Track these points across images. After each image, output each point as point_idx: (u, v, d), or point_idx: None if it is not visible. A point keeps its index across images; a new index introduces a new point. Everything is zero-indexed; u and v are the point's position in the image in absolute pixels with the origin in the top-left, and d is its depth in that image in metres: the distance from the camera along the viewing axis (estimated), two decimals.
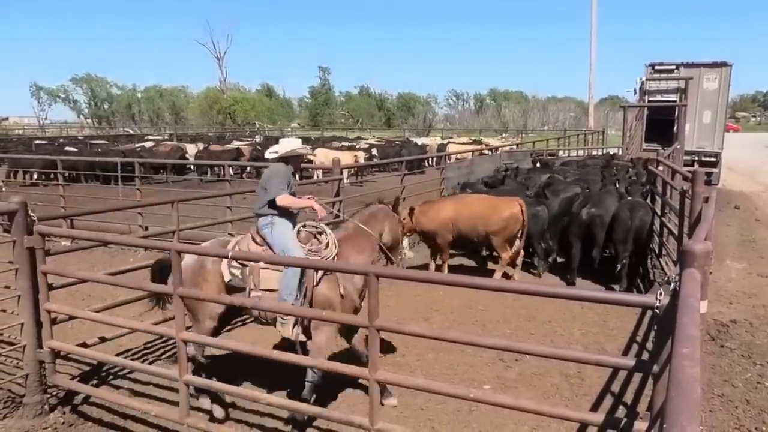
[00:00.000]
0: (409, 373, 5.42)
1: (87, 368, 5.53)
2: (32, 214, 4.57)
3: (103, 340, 5.42)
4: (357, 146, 26.40)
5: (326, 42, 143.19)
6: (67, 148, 23.60)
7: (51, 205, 12.35)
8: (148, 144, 27.54)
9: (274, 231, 4.88)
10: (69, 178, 16.16)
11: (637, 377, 5.00)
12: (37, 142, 29.03)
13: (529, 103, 70.57)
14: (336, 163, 9.22)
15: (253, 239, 4.96)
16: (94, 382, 5.33)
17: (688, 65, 18.46)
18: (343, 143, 29.48)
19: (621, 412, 4.68)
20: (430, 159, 23.90)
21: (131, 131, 50.26)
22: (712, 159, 18.33)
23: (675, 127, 17.81)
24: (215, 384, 4.23)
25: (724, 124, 19.08)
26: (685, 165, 16.04)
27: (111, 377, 5.44)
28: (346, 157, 18.49)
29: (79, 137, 37.17)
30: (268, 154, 5.23)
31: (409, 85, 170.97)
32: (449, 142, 27.86)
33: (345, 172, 11.64)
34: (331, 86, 75.65)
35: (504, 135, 43.65)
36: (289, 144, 5.19)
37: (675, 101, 18.16)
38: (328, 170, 9.71)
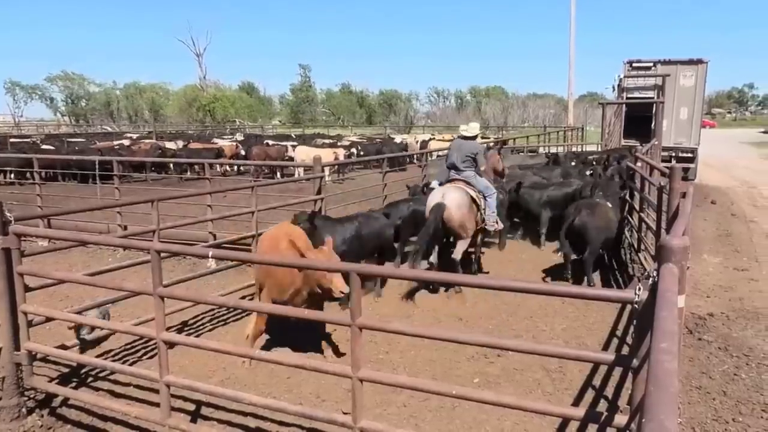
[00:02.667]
0: (392, 370, 5.43)
1: (66, 370, 5.45)
2: (8, 213, 4.49)
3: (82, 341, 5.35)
4: (338, 143, 26.33)
5: (307, 39, 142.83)
6: (43, 147, 23.24)
7: (27, 204, 12.18)
8: (125, 142, 27.20)
9: (477, 179, 8.06)
10: (46, 176, 15.93)
11: (617, 371, 5.07)
12: (12, 140, 28.51)
13: (509, 100, 71.04)
14: (317, 161, 9.18)
15: (464, 182, 7.96)
16: (73, 384, 5.25)
17: (665, 62, 18.69)
18: (324, 141, 29.36)
19: (602, 406, 4.74)
20: (411, 156, 23.86)
21: (109, 129, 49.64)
22: (689, 155, 18.60)
23: (653, 124, 18.04)
24: (197, 384, 4.19)
25: (701, 120, 19.36)
26: (663, 161, 16.24)
27: (90, 379, 5.37)
28: (327, 155, 18.45)
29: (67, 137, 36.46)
30: (466, 132, 8.22)
31: (391, 82, 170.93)
32: (431, 139, 27.89)
33: (326, 170, 11.61)
34: (312, 83, 75.45)
35: (485, 132, 43.81)
36: (477, 128, 8.43)
37: (652, 98, 18.39)
38: (310, 168, 9.65)
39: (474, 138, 8.25)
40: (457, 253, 7.82)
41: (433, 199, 7.79)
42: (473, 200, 7.88)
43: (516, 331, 6.49)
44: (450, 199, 7.68)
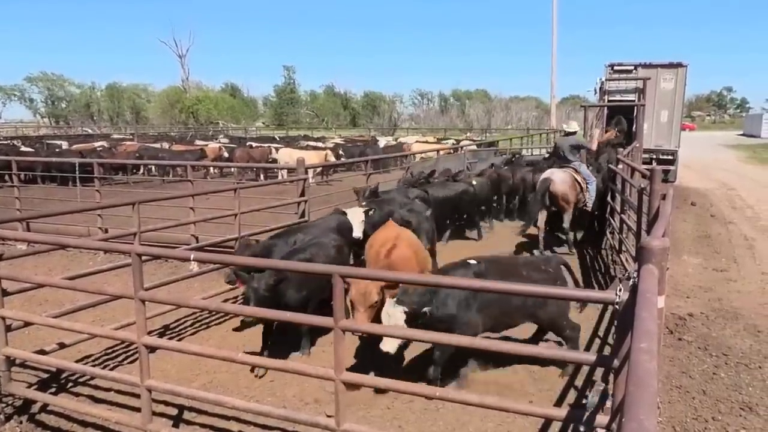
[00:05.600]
0: (375, 372, 5.41)
1: (45, 375, 5.37)
2: None
3: (62, 346, 5.27)
4: (324, 145, 26.25)
5: (290, 41, 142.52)
6: (23, 149, 22.92)
7: (6, 207, 11.98)
8: (105, 143, 26.89)
9: (582, 168, 10.05)
10: (25, 179, 15.69)
11: (599, 371, 5.10)
12: None
13: (492, 103, 71.39)
14: (300, 163, 9.15)
15: (573, 169, 9.93)
16: (53, 389, 5.18)
17: (645, 66, 18.87)
18: (309, 143, 29.22)
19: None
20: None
21: (90, 131, 49.05)
22: (670, 157, 18.80)
23: (634, 126, 18.21)
24: (179, 389, 4.16)
25: (681, 123, 19.59)
26: (644, 163, 16.41)
27: (70, 384, 5.29)
28: (313, 157, 18.39)
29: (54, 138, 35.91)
30: (569, 129, 10.63)
31: (375, 84, 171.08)
32: (416, 141, 27.94)
33: (310, 172, 11.56)
34: (296, 85, 75.23)
35: (468, 134, 44.08)
36: (576, 125, 10.84)
37: (633, 101, 18.56)
38: (293, 170, 9.61)
39: (575, 133, 10.50)
40: (566, 223, 9.81)
41: (541, 176, 9.92)
42: (577, 181, 9.81)
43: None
44: (556, 175, 9.76)
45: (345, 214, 7.57)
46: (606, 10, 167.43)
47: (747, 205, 15.63)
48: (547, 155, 14.64)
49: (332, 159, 19.59)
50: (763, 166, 27.19)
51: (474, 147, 21.60)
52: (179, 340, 6.30)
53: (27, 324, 5.02)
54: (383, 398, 4.87)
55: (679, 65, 18.63)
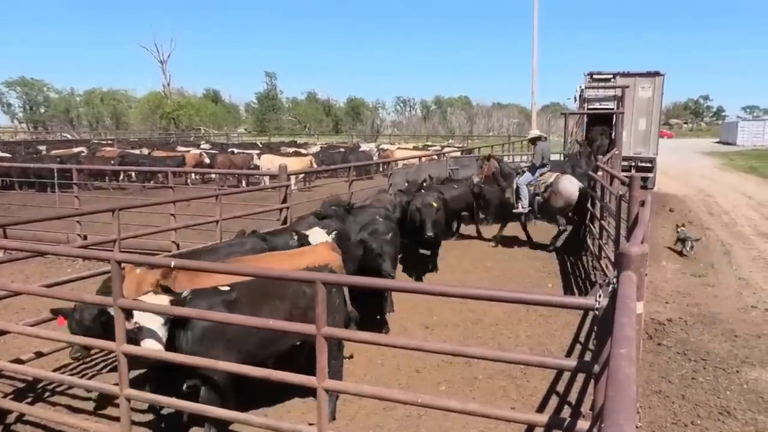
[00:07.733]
0: (358, 379, 5.41)
1: (21, 385, 5.28)
2: None
3: (39, 355, 5.18)
4: (306, 152, 26.21)
5: (272, 47, 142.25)
6: None
7: None
8: (80, 149, 26.53)
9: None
10: (2, 185, 15.43)
11: (581, 377, 5.14)
12: None
13: (474, 110, 71.85)
14: (282, 170, 9.11)
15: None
16: (29, 399, 5.09)
17: (624, 74, 19.13)
18: (293, 149, 29.11)
19: (566, 412, 4.80)
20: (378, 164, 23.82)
21: (69, 136, 48.44)
22: (648, 164, 19.04)
23: (613, 134, 18.44)
24: (159, 397, 4.11)
25: (659, 131, 19.87)
26: (623, 170, 16.61)
27: (48, 394, 5.20)
28: (295, 164, 18.33)
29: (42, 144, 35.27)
30: (533, 135, 12.00)
31: (357, 91, 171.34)
32: (398, 148, 28.01)
33: (293, 179, 11.52)
34: (278, 91, 75.01)
35: (450, 141, 44.27)
36: (538, 132, 12.38)
37: (612, 109, 18.81)
38: (275, 176, 9.56)
39: (540, 138, 11.83)
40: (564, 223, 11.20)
41: (562, 192, 10.71)
42: None
43: (481, 338, 6.54)
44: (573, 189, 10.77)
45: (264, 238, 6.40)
46: (587, 19, 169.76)
47: (723, 211, 15.89)
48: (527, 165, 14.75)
49: (315, 165, 19.55)
50: (738, 173, 27.67)
51: (457, 153, 21.70)
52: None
53: (3, 332, 4.94)
54: (366, 405, 4.86)
55: (656, 74, 18.92)
